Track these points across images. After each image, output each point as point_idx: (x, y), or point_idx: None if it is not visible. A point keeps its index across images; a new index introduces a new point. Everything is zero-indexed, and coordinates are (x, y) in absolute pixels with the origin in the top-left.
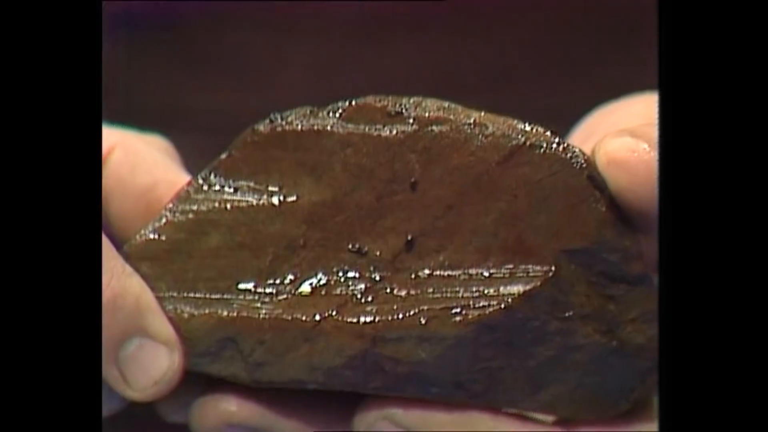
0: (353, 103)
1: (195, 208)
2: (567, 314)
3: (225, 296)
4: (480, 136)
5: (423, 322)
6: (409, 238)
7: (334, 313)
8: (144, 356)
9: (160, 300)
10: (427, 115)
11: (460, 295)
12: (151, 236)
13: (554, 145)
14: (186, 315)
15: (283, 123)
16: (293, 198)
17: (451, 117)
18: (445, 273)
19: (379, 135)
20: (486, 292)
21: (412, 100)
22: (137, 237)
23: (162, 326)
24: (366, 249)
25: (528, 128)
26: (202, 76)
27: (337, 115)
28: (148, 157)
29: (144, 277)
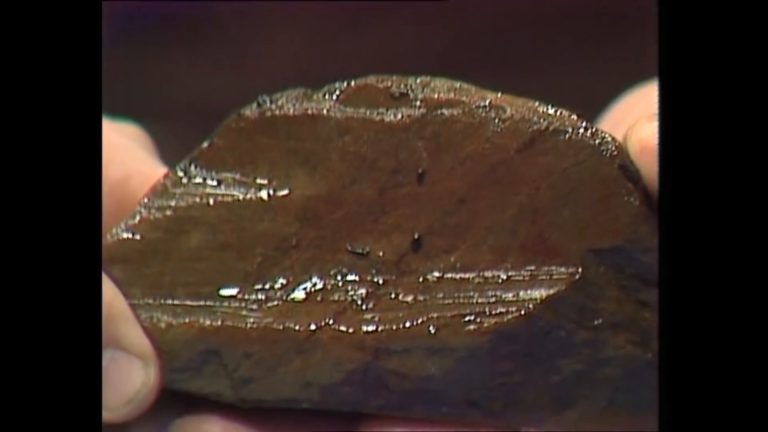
0: (352, 83)
1: (173, 203)
2: (596, 322)
3: (207, 303)
4: (497, 121)
5: (432, 331)
6: (416, 236)
7: (331, 321)
8: (116, 371)
9: (134, 308)
10: (436, 96)
11: (474, 300)
12: (124, 236)
13: (581, 131)
14: (163, 324)
15: (273, 107)
16: (284, 192)
17: (464, 99)
18: (457, 276)
19: (382, 120)
20: (503, 297)
21: (418, 80)
22: (108, 237)
23: (136, 337)
24: (367, 249)
25: (551, 111)
26: (179, 56)
27: (334, 97)
28: (120, 148)
29: (116, 281)
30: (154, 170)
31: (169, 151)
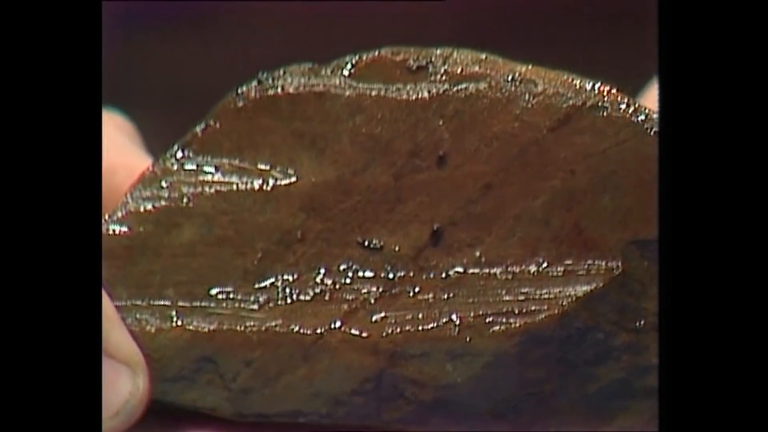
0: (364, 57)
1: (163, 193)
2: (638, 324)
3: (201, 304)
4: (527, 96)
5: (454, 333)
6: (436, 228)
7: (340, 323)
8: (101, 379)
9: (120, 310)
10: (458, 69)
11: (501, 299)
12: (109, 230)
13: (622, 107)
14: (152, 329)
15: (275, 84)
16: (288, 179)
17: (490, 72)
18: (482, 271)
19: (398, 96)
20: (534, 294)
21: (439, 52)
22: None
23: (122, 342)
24: (381, 243)
25: (588, 86)
26: (167, 43)
27: (344, 72)
28: (106, 139)
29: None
30: (141, 162)
31: (157, 142)
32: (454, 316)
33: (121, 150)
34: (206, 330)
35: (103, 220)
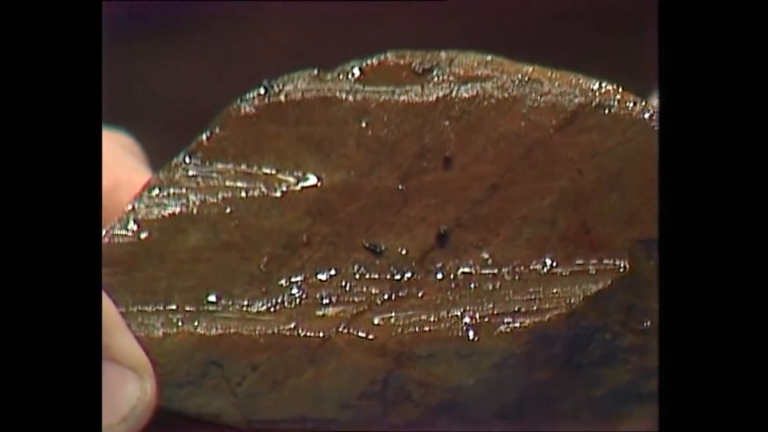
0: (369, 61)
1: (169, 200)
2: (644, 325)
3: (208, 309)
4: (533, 96)
5: (461, 333)
6: (443, 230)
7: (347, 325)
8: (108, 385)
9: (126, 315)
10: (464, 71)
11: (508, 298)
12: (115, 237)
13: (629, 105)
14: (159, 333)
15: (280, 90)
16: (294, 184)
17: (496, 73)
18: (489, 272)
19: (404, 99)
20: (541, 294)
21: (444, 54)
22: None
23: (129, 347)
24: (387, 246)
25: (595, 85)
26: (172, 62)
27: (350, 77)
28: (110, 156)
29: (105, 287)
30: (144, 179)
31: (160, 160)
32: (461, 317)
33: (125, 167)
34: (213, 334)
35: (109, 227)
